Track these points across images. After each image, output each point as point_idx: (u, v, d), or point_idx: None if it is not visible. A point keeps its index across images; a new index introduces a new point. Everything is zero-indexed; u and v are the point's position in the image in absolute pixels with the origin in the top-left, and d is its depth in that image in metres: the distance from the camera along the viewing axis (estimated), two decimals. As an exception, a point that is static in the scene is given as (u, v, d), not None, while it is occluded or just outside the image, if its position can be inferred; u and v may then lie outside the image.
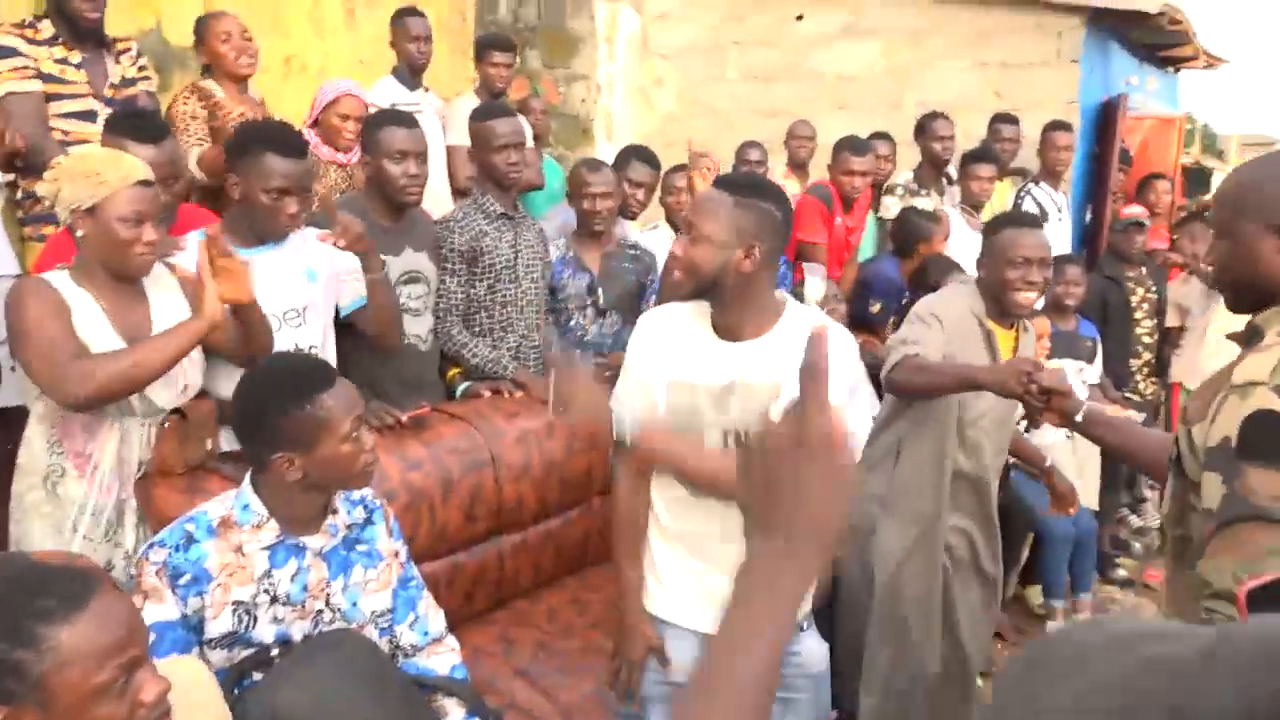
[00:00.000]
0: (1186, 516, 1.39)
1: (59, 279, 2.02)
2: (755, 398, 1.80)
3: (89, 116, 2.90)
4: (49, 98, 2.83)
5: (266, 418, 1.67)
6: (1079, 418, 2.10)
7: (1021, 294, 2.52)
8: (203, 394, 2.20)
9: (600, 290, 3.31)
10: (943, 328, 2.53)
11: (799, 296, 3.00)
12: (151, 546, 1.65)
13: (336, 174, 3.47)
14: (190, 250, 2.29)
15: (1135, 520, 5.15)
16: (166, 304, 2.15)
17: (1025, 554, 4.16)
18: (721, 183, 1.92)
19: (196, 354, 2.15)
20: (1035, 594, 4.28)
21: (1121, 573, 4.68)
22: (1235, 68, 8.60)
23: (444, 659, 1.89)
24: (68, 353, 1.92)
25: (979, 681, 2.99)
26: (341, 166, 3.46)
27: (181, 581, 1.62)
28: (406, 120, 2.74)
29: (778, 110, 5.30)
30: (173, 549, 1.63)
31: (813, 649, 2.01)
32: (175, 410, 2.09)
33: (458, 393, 2.94)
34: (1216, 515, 1.27)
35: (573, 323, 3.31)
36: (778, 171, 4.89)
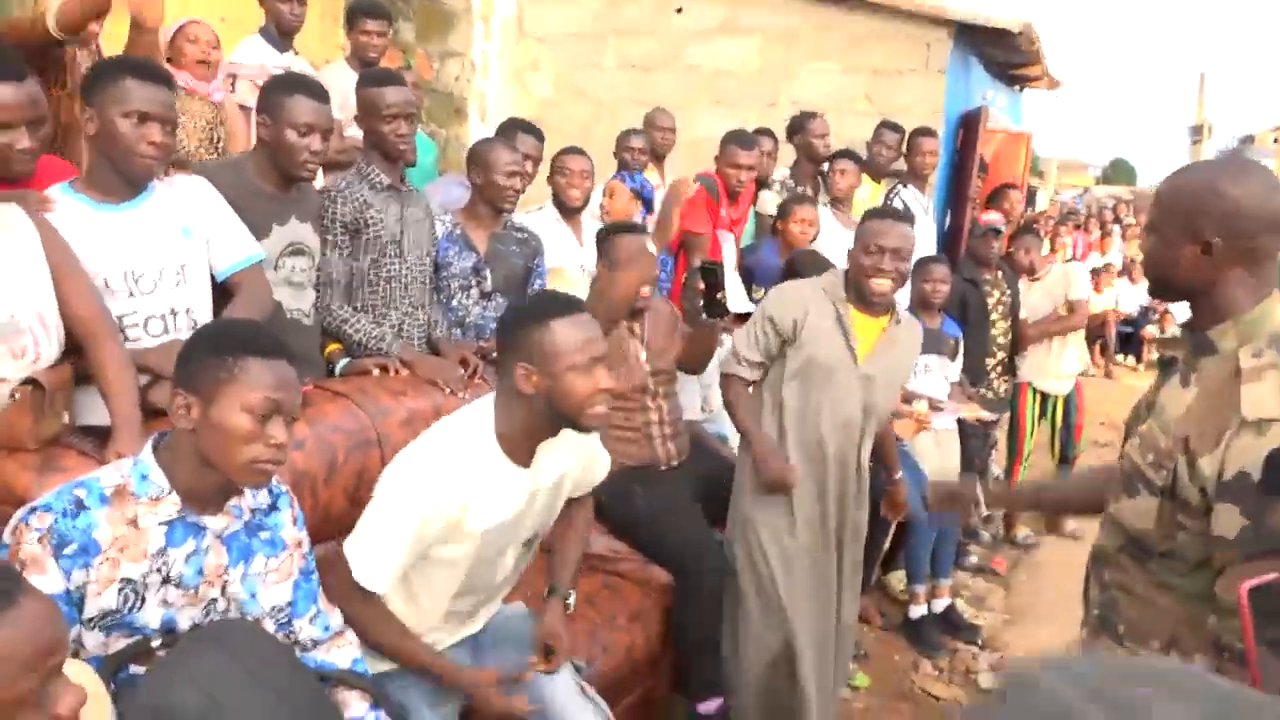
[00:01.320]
0: (1174, 535, 1.44)
1: None
2: None
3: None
4: None
5: (194, 353, 1.53)
6: (983, 511, 2.27)
7: (875, 280, 2.68)
8: (60, 360, 1.97)
9: (487, 272, 3.20)
10: (775, 327, 2.75)
11: (692, 291, 3.01)
12: (33, 511, 1.44)
13: (201, 107, 3.21)
14: (74, 217, 2.06)
15: (984, 509, 5.42)
16: (15, 259, 1.88)
17: (888, 541, 4.32)
18: None
19: (53, 321, 1.92)
20: (896, 580, 4.45)
21: (973, 559, 4.94)
22: (1068, 91, 9.23)
23: (344, 653, 1.75)
24: None
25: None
26: (205, 99, 3.21)
27: (67, 551, 1.42)
28: (317, 91, 2.54)
29: (655, 101, 5.28)
30: (59, 514, 1.44)
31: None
32: (28, 380, 1.85)
33: (338, 370, 2.77)
34: (1240, 545, 1.33)
35: (455, 303, 3.18)
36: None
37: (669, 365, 3.14)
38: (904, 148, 4.92)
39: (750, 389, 2.88)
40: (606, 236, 3.17)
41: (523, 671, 1.98)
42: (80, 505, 1.47)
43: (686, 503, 2.93)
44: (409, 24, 5.68)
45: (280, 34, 3.78)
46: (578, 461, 2.14)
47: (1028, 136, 6.69)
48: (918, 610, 4.07)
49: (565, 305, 1.93)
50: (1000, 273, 4.85)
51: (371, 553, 1.82)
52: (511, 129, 3.64)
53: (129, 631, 1.51)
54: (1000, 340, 4.86)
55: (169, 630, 1.54)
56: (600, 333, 1.94)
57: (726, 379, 2.86)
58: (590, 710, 2.10)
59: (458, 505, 1.87)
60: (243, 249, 2.35)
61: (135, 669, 1.49)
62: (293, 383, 1.56)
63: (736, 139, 4.19)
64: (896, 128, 4.92)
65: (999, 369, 4.90)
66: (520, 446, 1.94)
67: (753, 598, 2.80)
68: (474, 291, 3.20)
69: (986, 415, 4.61)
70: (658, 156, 4.76)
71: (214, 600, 1.59)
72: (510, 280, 3.26)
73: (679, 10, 5.89)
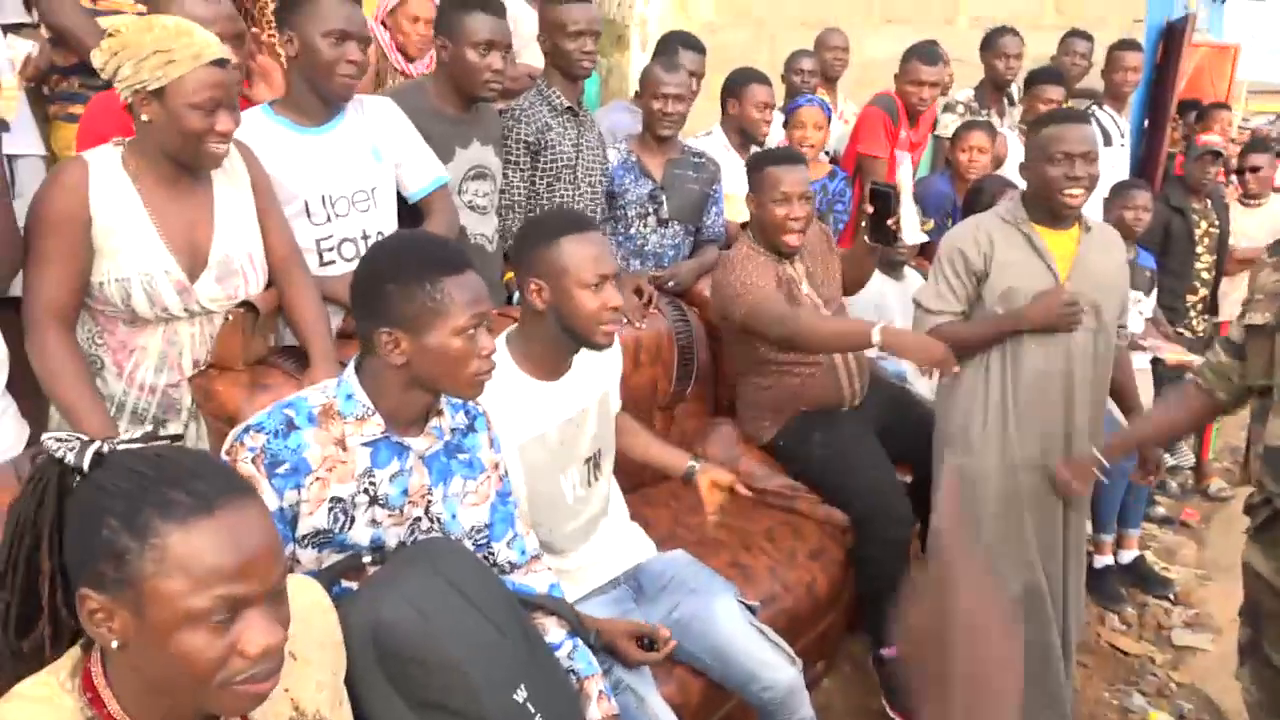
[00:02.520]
0: None
1: (101, 166, 1.79)
2: None
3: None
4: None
5: (381, 287, 1.49)
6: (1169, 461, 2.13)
7: (1068, 191, 2.37)
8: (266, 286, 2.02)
9: (664, 199, 3.11)
10: (966, 264, 2.47)
11: (865, 217, 2.81)
12: (247, 430, 1.45)
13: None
14: (274, 140, 2.08)
15: (1169, 459, 5.06)
16: (233, 203, 1.93)
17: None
18: None
19: (260, 261, 1.96)
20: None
21: (1160, 510, 4.61)
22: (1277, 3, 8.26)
23: (541, 577, 1.74)
24: (50, 304, 1.74)
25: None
26: (407, 78, 3.18)
27: (279, 470, 1.43)
28: (495, 6, 2.49)
29: (823, 22, 5.00)
30: (271, 434, 1.45)
31: None
32: (242, 303, 1.90)
33: (517, 297, 2.75)
34: None
35: (632, 231, 3.11)
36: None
37: (836, 292, 2.94)
38: (1098, 62, 4.50)
39: None
40: (755, 165, 2.88)
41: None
42: (290, 425, 1.47)
43: (869, 444, 2.78)
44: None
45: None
46: (613, 376, 2.17)
47: (1235, 50, 6.06)
48: (1102, 560, 3.82)
49: (576, 222, 1.95)
50: (1209, 201, 4.42)
51: None
52: (672, 44, 3.50)
53: (340, 549, 1.53)
54: (1204, 275, 4.46)
55: (378, 548, 1.55)
56: (609, 251, 1.97)
57: (936, 334, 2.49)
58: (770, 649, 2.04)
59: (532, 435, 1.91)
60: (432, 171, 2.35)
61: (347, 584, 1.50)
62: (485, 290, 1.54)
63: (919, 53, 3.92)
64: (1087, 36, 4.50)
65: (1199, 306, 4.51)
66: (542, 363, 1.96)
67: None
68: (651, 219, 3.12)
69: (1191, 358, 4.23)
70: (829, 79, 4.53)
71: (418, 520, 1.59)
72: (687, 206, 3.16)
73: (849, -76, 5.55)
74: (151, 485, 0.93)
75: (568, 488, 2.03)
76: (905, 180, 2.82)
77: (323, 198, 2.19)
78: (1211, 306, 4.59)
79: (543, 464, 1.96)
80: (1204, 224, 4.42)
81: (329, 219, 2.21)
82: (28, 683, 0.99)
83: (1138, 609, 3.73)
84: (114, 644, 0.94)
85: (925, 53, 3.91)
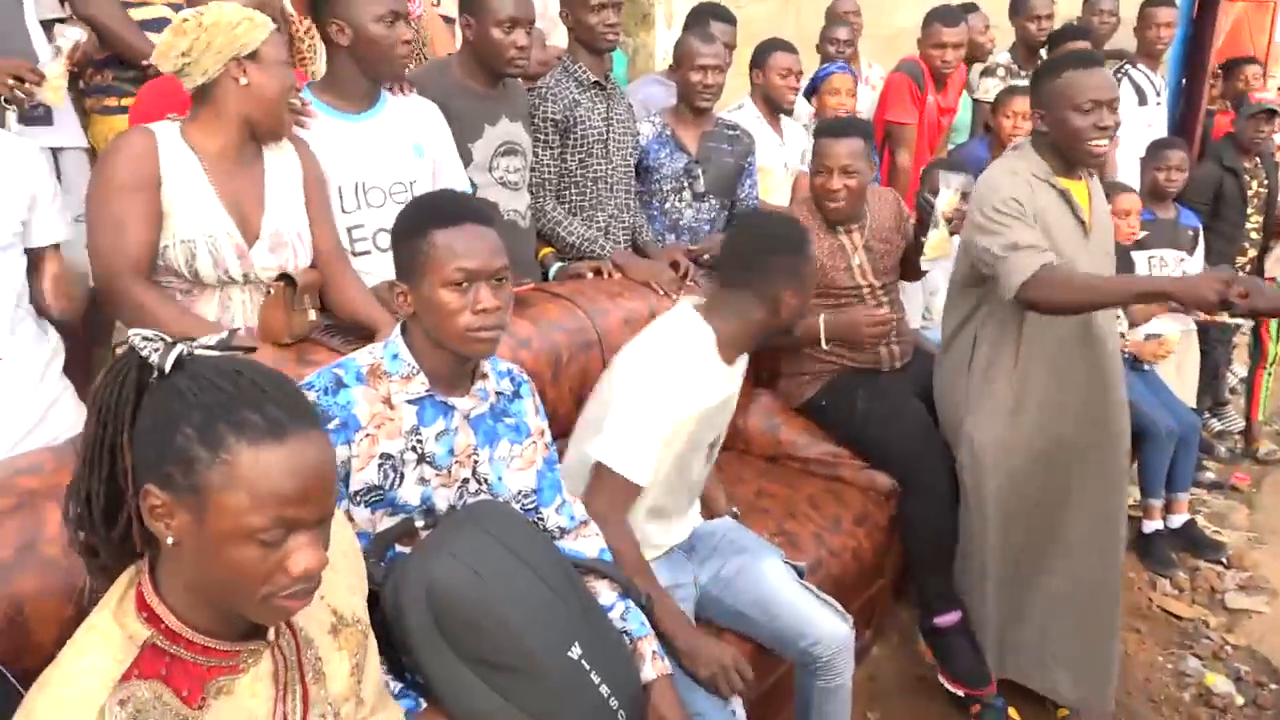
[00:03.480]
0: None
1: (168, 137, 1.86)
2: None
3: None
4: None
5: (396, 237, 1.57)
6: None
7: (1094, 141, 2.28)
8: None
9: (699, 173, 3.10)
10: (1021, 205, 2.30)
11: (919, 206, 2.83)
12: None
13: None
14: (328, 127, 2.15)
15: (1216, 424, 4.97)
16: (284, 183, 1.99)
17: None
18: None
19: (307, 239, 2.01)
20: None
21: (1209, 475, 4.52)
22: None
23: (591, 543, 1.74)
24: (134, 263, 1.81)
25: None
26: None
27: (330, 426, 1.45)
28: None
29: (848, -11, 4.93)
30: (321, 391, 1.47)
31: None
32: (282, 276, 1.93)
33: (551, 273, 2.76)
34: None
35: (667, 205, 3.11)
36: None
37: (893, 266, 2.93)
38: (1128, 20, 4.42)
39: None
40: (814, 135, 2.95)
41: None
42: (339, 383, 1.50)
43: (911, 405, 2.76)
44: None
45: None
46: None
47: (1276, 4, 5.91)
48: (1152, 525, 3.77)
49: (805, 231, 2.12)
50: (1259, 160, 4.33)
51: (633, 448, 1.88)
52: (703, 15, 3.48)
53: (391, 510, 1.54)
54: (1254, 235, 4.37)
55: (429, 511, 1.56)
56: None
57: (1042, 276, 2.20)
58: (820, 604, 2.04)
59: (693, 400, 1.95)
60: (463, 180, 2.38)
61: (401, 549, 1.52)
62: (489, 246, 1.51)
63: (939, 15, 3.88)
64: None
65: (1248, 267, 4.42)
66: (732, 350, 2.05)
67: (990, 501, 2.57)
68: (686, 194, 3.12)
69: (1231, 320, 4.15)
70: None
71: (466, 481, 1.60)
72: (722, 180, 3.15)
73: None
74: (230, 401, 0.97)
75: (697, 465, 2.10)
76: (941, 205, 2.80)
77: (356, 185, 2.21)
78: (1260, 267, 4.50)
79: (697, 439, 2.04)
80: (1255, 184, 4.33)
81: (360, 207, 2.23)
82: (81, 628, 1.04)
83: (1189, 573, 3.67)
84: (169, 540, 0.98)
85: (946, 14, 3.87)
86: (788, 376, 2.92)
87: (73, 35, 2.41)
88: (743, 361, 2.13)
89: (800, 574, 2.13)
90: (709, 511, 2.30)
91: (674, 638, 1.78)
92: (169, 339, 1.01)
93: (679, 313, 2.07)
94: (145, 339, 1.00)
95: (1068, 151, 2.34)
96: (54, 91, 2.32)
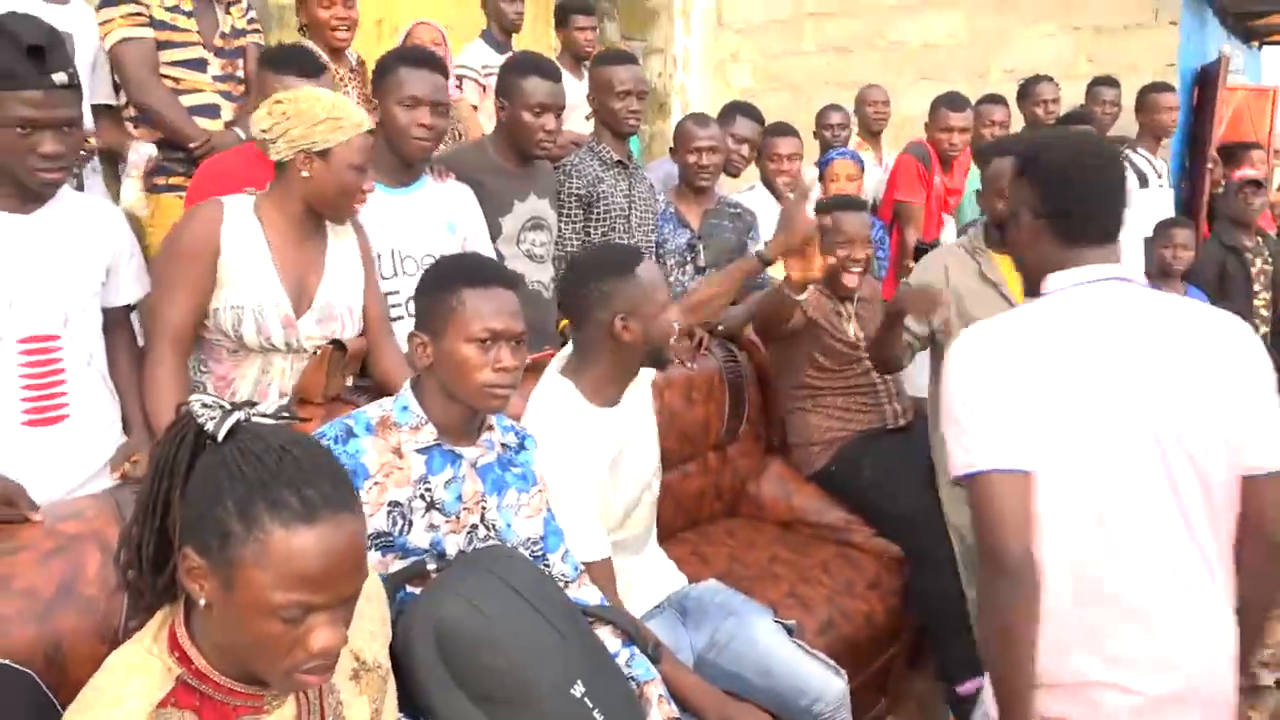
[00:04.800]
0: None
1: (236, 208, 1.99)
2: None
3: (199, 65, 2.87)
4: (160, 45, 2.80)
5: (422, 294, 1.67)
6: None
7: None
8: None
9: (701, 247, 3.23)
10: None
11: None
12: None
13: None
14: (371, 199, 2.27)
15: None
16: (343, 259, 2.11)
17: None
18: None
19: (358, 314, 2.12)
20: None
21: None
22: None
23: (592, 590, 1.80)
24: (174, 329, 1.93)
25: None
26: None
27: None
28: (551, 71, 2.67)
29: (858, 82, 5.16)
30: (332, 440, 1.56)
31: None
32: (333, 341, 2.03)
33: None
34: None
35: (672, 278, 3.22)
36: (850, 140, 4.74)
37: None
38: (1136, 107, 4.58)
39: None
40: (819, 211, 2.98)
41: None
42: (350, 433, 1.59)
43: (914, 471, 2.81)
44: (613, 23, 5.83)
45: (501, 33, 3.98)
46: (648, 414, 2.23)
47: (1275, 91, 6.08)
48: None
49: (634, 254, 2.06)
50: (1262, 238, 4.42)
51: (578, 534, 1.87)
52: (731, 112, 3.67)
53: (402, 554, 1.61)
54: (1264, 313, 4.42)
55: (440, 555, 1.63)
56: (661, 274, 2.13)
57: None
58: (813, 660, 2.04)
59: (586, 462, 1.94)
60: (491, 256, 2.50)
61: (412, 589, 1.58)
62: (513, 309, 1.64)
63: (946, 101, 4.05)
64: (1114, 83, 4.59)
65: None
66: (602, 393, 2.02)
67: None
68: (689, 268, 3.24)
69: None
70: (873, 133, 4.68)
71: (475, 527, 1.67)
72: (724, 255, 3.27)
73: (880, -12, 5.75)
74: (270, 480, 1.03)
75: (646, 501, 2.15)
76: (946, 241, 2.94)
77: (393, 252, 2.35)
78: (1274, 344, 4.54)
79: (633, 482, 2.07)
80: (1259, 261, 4.40)
81: (396, 274, 2.35)
82: (116, 654, 1.11)
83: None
84: (202, 602, 1.05)
85: (952, 100, 4.03)
86: (798, 446, 2.98)
87: (145, 151, 2.66)
88: (634, 390, 2.10)
89: (790, 632, 2.12)
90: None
91: (703, 709, 1.82)
92: (227, 406, 1.08)
93: (544, 381, 2.07)
94: (204, 405, 1.08)
95: (1000, 229, 2.50)
96: (136, 203, 2.59)
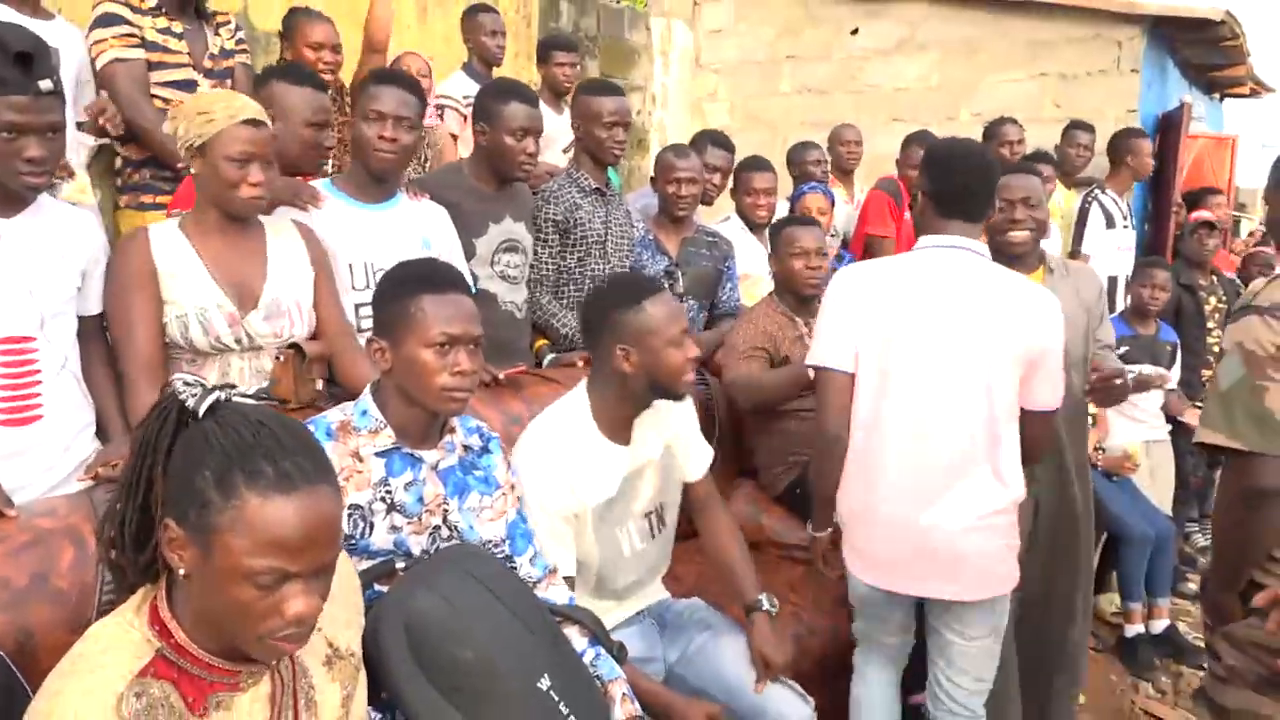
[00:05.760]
0: None
1: (160, 231, 2.03)
2: None
3: (188, 86, 2.91)
4: (151, 66, 2.85)
5: (379, 301, 1.70)
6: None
7: (1012, 233, 2.60)
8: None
9: (679, 274, 3.30)
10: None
11: None
12: None
13: None
14: (328, 209, 2.31)
15: (1200, 540, 5.03)
16: (285, 257, 2.14)
17: (1096, 559, 4.07)
18: None
19: (307, 311, 2.15)
20: (1107, 601, 4.18)
21: (1191, 587, 4.57)
22: (1277, 99, 8.53)
23: (560, 590, 1.83)
24: (144, 361, 1.95)
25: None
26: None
27: None
28: (529, 97, 2.74)
29: (832, 122, 5.30)
30: None
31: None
32: (291, 345, 2.07)
33: (544, 363, 2.91)
34: None
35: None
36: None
37: None
38: (1109, 150, 4.74)
39: None
40: (775, 230, 3.11)
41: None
42: None
43: None
44: (593, 60, 5.96)
45: (482, 65, 4.07)
46: (679, 435, 2.23)
47: (1233, 140, 6.29)
48: (1133, 629, 3.81)
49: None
50: (1216, 277, 4.56)
51: (548, 546, 1.91)
52: (703, 140, 3.76)
53: (367, 555, 1.64)
54: (1216, 350, 4.53)
55: (406, 554, 1.66)
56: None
57: None
58: (779, 685, 2.05)
59: (568, 489, 1.98)
60: (464, 273, 2.54)
61: (380, 588, 1.61)
62: (469, 314, 1.67)
63: (917, 139, 4.18)
64: (1089, 127, 4.75)
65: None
66: (617, 425, 2.06)
67: None
68: (666, 295, 3.30)
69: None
70: (845, 171, 4.79)
71: (437, 528, 1.70)
72: (701, 282, 3.34)
73: (854, 32, 5.92)
74: (248, 451, 1.07)
75: (627, 540, 2.11)
76: None
77: (365, 264, 2.38)
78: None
79: (609, 519, 2.06)
80: (1213, 300, 4.53)
81: (369, 285, 2.39)
82: (98, 624, 1.14)
83: (1172, 678, 3.69)
84: (181, 571, 1.08)
85: (923, 138, 4.15)
86: (764, 469, 3.03)
87: (87, 142, 2.70)
88: (652, 425, 2.12)
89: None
90: (738, 597, 2.24)
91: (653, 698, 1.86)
92: (207, 385, 1.13)
93: (566, 399, 2.10)
94: (186, 384, 1.12)
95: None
96: (83, 195, 2.58)
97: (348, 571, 1.37)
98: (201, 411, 1.10)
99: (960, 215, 2.12)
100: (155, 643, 1.11)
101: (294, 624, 1.08)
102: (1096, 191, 4.76)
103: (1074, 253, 4.62)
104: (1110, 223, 4.71)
